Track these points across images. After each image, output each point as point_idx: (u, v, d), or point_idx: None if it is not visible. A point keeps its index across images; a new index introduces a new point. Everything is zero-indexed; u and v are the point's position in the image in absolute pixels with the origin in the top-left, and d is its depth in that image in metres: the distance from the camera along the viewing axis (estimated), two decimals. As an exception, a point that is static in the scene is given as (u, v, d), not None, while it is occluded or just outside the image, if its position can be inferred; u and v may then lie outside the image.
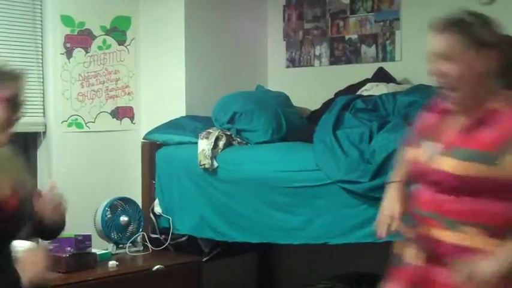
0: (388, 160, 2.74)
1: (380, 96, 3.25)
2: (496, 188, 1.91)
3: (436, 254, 1.99)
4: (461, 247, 1.94)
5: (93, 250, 3.40)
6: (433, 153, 1.99)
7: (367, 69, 3.84)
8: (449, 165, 1.94)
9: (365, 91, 3.56)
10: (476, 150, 1.91)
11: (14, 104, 2.07)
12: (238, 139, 3.48)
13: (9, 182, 2.07)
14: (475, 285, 1.88)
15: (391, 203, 2.18)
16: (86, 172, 3.80)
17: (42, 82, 3.76)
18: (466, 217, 1.94)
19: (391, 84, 3.61)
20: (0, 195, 2.02)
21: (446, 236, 1.96)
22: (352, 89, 3.67)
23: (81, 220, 3.49)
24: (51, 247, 3.25)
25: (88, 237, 3.38)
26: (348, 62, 4.05)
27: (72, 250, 3.25)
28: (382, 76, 3.73)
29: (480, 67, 1.93)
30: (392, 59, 3.88)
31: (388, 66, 3.80)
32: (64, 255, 3.19)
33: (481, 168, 1.90)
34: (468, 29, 1.92)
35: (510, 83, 2.01)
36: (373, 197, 2.77)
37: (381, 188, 2.73)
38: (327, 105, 3.46)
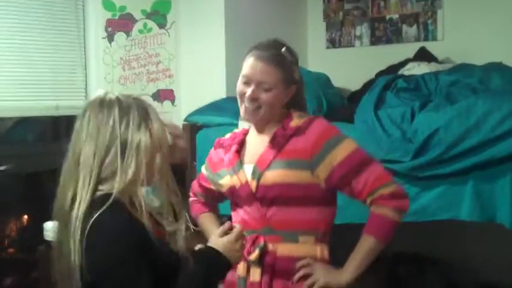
0: (430, 139, 2.74)
1: (422, 76, 3.23)
2: (315, 194, 2.12)
3: (273, 268, 2.13)
4: (297, 257, 2.12)
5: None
6: (253, 172, 2.16)
7: (408, 49, 3.83)
8: (271, 177, 2.12)
9: (406, 71, 3.54)
10: (293, 159, 2.11)
11: None
12: (278, 119, 3.49)
13: None
14: None
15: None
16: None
17: (85, 66, 3.84)
18: (297, 226, 2.13)
19: (433, 64, 3.59)
20: None
21: (282, 248, 2.13)
22: (393, 69, 3.66)
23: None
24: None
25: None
26: (389, 42, 4.05)
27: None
28: (423, 56, 3.71)
29: (285, 98, 2.18)
30: (434, 39, 3.86)
31: (429, 46, 3.78)
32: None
33: (301, 174, 2.10)
34: (288, 67, 2.16)
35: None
36: (415, 176, 2.77)
37: (423, 167, 2.75)
38: (367, 85, 3.45)
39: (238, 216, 2.22)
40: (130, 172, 1.76)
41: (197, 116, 3.83)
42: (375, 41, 4.12)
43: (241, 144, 2.28)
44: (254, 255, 2.13)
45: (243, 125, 3.43)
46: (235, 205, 2.25)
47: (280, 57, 2.15)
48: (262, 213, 2.13)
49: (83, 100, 3.79)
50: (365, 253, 2.09)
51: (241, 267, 2.17)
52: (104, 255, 1.71)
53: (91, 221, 1.71)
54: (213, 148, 2.43)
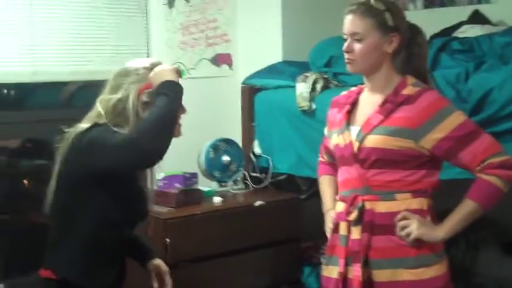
0: (484, 99, 2.81)
1: (476, 38, 3.27)
2: (417, 160, 2.22)
3: (372, 225, 2.25)
4: (395, 212, 2.23)
5: (199, 187, 3.63)
6: (357, 134, 2.28)
7: (462, 12, 3.84)
8: (373, 141, 2.23)
9: (460, 33, 3.57)
10: (398, 127, 2.20)
11: None
12: (335, 82, 3.58)
13: None
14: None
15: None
16: (188, 115, 3.96)
17: (147, 32, 3.94)
18: (395, 187, 2.24)
19: (487, 26, 3.61)
20: None
21: (380, 206, 2.25)
22: (447, 31, 3.68)
23: (186, 159, 3.73)
24: (161, 184, 3.51)
25: (194, 175, 3.61)
26: (443, 5, 4.06)
27: (180, 186, 3.49)
28: (477, 18, 3.73)
29: (386, 48, 2.26)
30: (488, 1, 3.86)
31: (483, 9, 3.79)
32: (174, 191, 3.43)
33: (404, 142, 2.19)
34: (379, 14, 2.23)
35: (406, 63, 2.33)
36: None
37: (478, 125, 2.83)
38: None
39: (342, 174, 2.35)
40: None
41: (254, 79, 3.96)
42: (428, 4, 4.15)
43: (354, 104, 2.38)
44: (353, 216, 2.28)
45: (300, 87, 3.56)
46: (341, 163, 2.37)
47: (368, 6, 2.25)
48: (361, 173, 2.26)
49: (146, 65, 3.93)
50: (464, 216, 2.21)
51: (343, 227, 2.32)
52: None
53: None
54: (330, 107, 2.53)
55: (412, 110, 2.20)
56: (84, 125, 2.23)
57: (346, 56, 2.31)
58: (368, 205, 2.26)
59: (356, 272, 2.25)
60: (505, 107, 2.75)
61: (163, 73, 2.23)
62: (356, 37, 2.26)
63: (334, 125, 2.43)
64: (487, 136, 2.21)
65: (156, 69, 2.25)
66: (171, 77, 2.23)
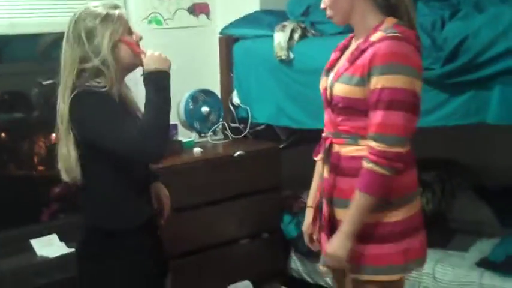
0: (459, 46, 2.84)
1: (451, -15, 3.29)
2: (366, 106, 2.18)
3: (336, 166, 2.29)
4: (357, 157, 2.22)
5: (179, 138, 3.66)
6: (330, 81, 2.30)
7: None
8: (338, 89, 2.24)
9: (436, -19, 3.59)
10: (355, 75, 2.19)
11: None
12: (313, 31, 3.58)
13: None
14: (337, 264, 2.25)
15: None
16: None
17: (124, -20, 3.91)
18: (359, 132, 2.22)
19: (463, -27, 3.63)
20: None
21: (345, 149, 2.27)
22: (424, -21, 3.70)
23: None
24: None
25: (174, 126, 3.64)
26: (419, -49, 4.05)
27: (161, 138, 3.50)
28: (453, -35, 3.74)
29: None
30: None
31: (459, -45, 3.79)
32: (154, 142, 3.44)
33: (360, 90, 2.17)
34: None
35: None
36: (445, 83, 2.90)
37: (452, 73, 2.86)
38: (398, -5, 3.51)
39: (325, 117, 2.39)
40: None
41: (233, 29, 3.94)
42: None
43: (344, 50, 2.38)
44: (319, 156, 2.38)
45: (278, 36, 3.56)
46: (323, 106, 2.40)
47: None
48: (332, 118, 2.30)
49: (122, 15, 3.90)
50: (356, 208, 2.19)
51: (319, 165, 2.43)
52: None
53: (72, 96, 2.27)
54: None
55: (366, 57, 2.16)
56: (67, 89, 2.28)
57: (326, 14, 2.31)
58: (335, 148, 2.29)
59: (324, 207, 2.34)
60: (479, 55, 2.78)
61: (157, 60, 2.32)
62: None
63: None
64: (398, 115, 2.12)
65: (150, 54, 2.32)
66: (164, 65, 2.33)
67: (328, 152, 2.31)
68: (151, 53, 2.33)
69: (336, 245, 2.21)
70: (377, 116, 2.13)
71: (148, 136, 2.19)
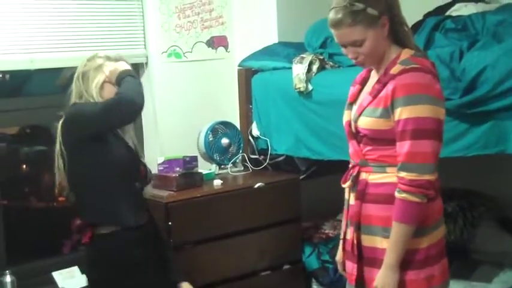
0: (477, 77, 2.83)
1: (469, 16, 3.29)
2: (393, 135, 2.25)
3: (363, 193, 2.34)
4: (384, 183, 2.30)
5: (199, 170, 3.67)
6: (354, 114, 2.37)
7: (455, -10, 3.84)
8: (363, 122, 2.31)
9: (454, 11, 3.59)
10: (380, 108, 2.26)
11: None
12: (331, 63, 3.60)
13: None
14: None
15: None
16: (186, 99, 4.02)
17: (142, 15, 3.95)
18: (386, 161, 2.29)
19: (480, 4, 3.63)
20: None
21: (372, 176, 2.33)
22: (441, 10, 3.70)
23: (185, 143, 3.79)
24: (161, 168, 3.55)
25: (194, 158, 3.65)
26: (437, -17, 4.07)
27: (181, 170, 3.53)
28: (470, -4, 3.75)
29: (383, 34, 2.30)
30: (481, -21, 3.87)
31: (476, -14, 3.80)
32: (174, 175, 3.46)
33: (385, 122, 2.25)
34: (362, 13, 2.24)
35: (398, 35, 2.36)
36: (464, 113, 2.89)
37: (471, 104, 2.86)
38: (416, 26, 3.52)
39: (349, 147, 2.45)
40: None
41: (251, 61, 3.97)
42: (422, -18, 4.15)
43: (364, 83, 2.45)
44: (347, 183, 2.41)
45: (296, 68, 3.59)
46: (347, 137, 2.47)
47: (350, 12, 2.25)
48: (358, 149, 2.36)
49: (142, 49, 3.95)
50: (396, 239, 2.24)
51: (346, 192, 2.47)
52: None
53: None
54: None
55: (389, 89, 2.23)
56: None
57: (355, 61, 2.36)
58: (363, 175, 2.36)
59: (351, 233, 2.38)
60: (498, 86, 2.77)
61: (119, 67, 2.77)
62: (356, 44, 2.30)
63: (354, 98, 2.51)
64: (427, 143, 2.20)
65: (112, 66, 2.78)
66: (125, 68, 2.78)
67: (356, 179, 2.37)
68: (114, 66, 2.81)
69: (383, 280, 2.26)
70: (404, 146, 2.19)
71: (128, 92, 2.64)
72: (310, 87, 3.53)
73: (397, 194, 2.21)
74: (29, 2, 3.50)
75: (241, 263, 3.56)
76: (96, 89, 2.73)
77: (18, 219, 3.69)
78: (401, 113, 2.19)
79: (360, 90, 2.44)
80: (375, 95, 2.29)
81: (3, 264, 3.38)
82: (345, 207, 2.49)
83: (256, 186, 3.63)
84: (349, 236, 2.42)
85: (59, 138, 2.70)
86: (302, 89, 3.54)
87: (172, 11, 4.01)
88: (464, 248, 3.67)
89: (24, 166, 4.01)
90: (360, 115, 2.33)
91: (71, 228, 3.84)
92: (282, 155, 3.85)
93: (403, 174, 2.20)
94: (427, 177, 2.19)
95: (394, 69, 2.25)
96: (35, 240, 3.71)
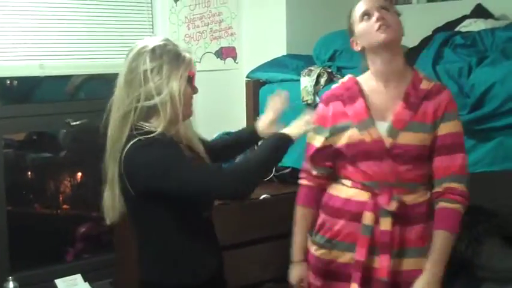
0: (486, 93, 2.83)
1: (478, 32, 3.29)
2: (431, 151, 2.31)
3: (403, 216, 2.30)
4: (421, 203, 2.32)
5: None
6: (389, 130, 2.29)
7: (465, 6, 3.85)
8: (409, 138, 2.27)
9: (463, 27, 3.60)
10: (426, 123, 2.29)
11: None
12: (339, 76, 3.60)
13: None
14: None
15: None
16: (194, 109, 4.01)
17: (152, 25, 3.98)
18: (419, 180, 2.32)
19: (489, 20, 3.63)
20: None
21: (409, 197, 2.31)
22: (450, 25, 3.70)
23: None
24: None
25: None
26: (446, -2, 4.08)
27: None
28: (480, 12, 3.75)
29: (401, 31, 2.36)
30: (491, -5, 3.88)
31: (486, 3, 3.80)
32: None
33: (430, 137, 2.28)
34: None
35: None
36: (472, 129, 2.87)
37: (480, 120, 2.85)
38: (425, 42, 3.53)
39: (368, 168, 2.33)
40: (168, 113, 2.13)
41: (259, 72, 3.98)
42: (432, -3, 4.17)
43: (364, 95, 2.39)
44: (393, 207, 2.29)
45: (304, 81, 3.59)
46: (362, 158, 2.34)
47: None
48: (394, 168, 2.29)
49: (151, 58, 3.96)
50: (442, 248, 2.27)
51: (368, 217, 2.32)
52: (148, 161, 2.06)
53: (130, 146, 2.07)
54: (321, 104, 2.51)
55: (433, 106, 2.29)
56: (123, 137, 2.13)
57: (379, 23, 2.30)
58: (399, 197, 2.32)
59: (384, 262, 2.30)
60: (506, 102, 2.77)
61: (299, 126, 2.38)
62: (384, 9, 2.32)
63: (341, 118, 2.43)
64: (465, 156, 2.33)
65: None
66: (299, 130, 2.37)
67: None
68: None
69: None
70: (458, 159, 2.28)
71: (247, 176, 2.16)
72: (317, 99, 3.53)
73: (448, 205, 2.25)
74: (38, 9, 3.52)
75: (245, 274, 3.54)
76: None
77: (22, 225, 3.69)
78: (452, 126, 2.28)
79: (366, 103, 2.38)
80: (415, 109, 2.29)
81: (7, 271, 3.38)
82: (366, 233, 2.34)
83: (261, 197, 3.62)
84: (377, 265, 2.32)
85: (120, 164, 2.12)
86: (309, 102, 3.53)
87: (181, 21, 4.04)
88: (468, 264, 3.64)
89: (30, 173, 4.01)
90: (402, 129, 2.29)
91: (75, 236, 3.87)
92: (288, 168, 3.84)
93: (455, 185, 2.25)
94: (467, 189, 2.29)
95: (425, 84, 2.31)
96: (39, 247, 3.71)
